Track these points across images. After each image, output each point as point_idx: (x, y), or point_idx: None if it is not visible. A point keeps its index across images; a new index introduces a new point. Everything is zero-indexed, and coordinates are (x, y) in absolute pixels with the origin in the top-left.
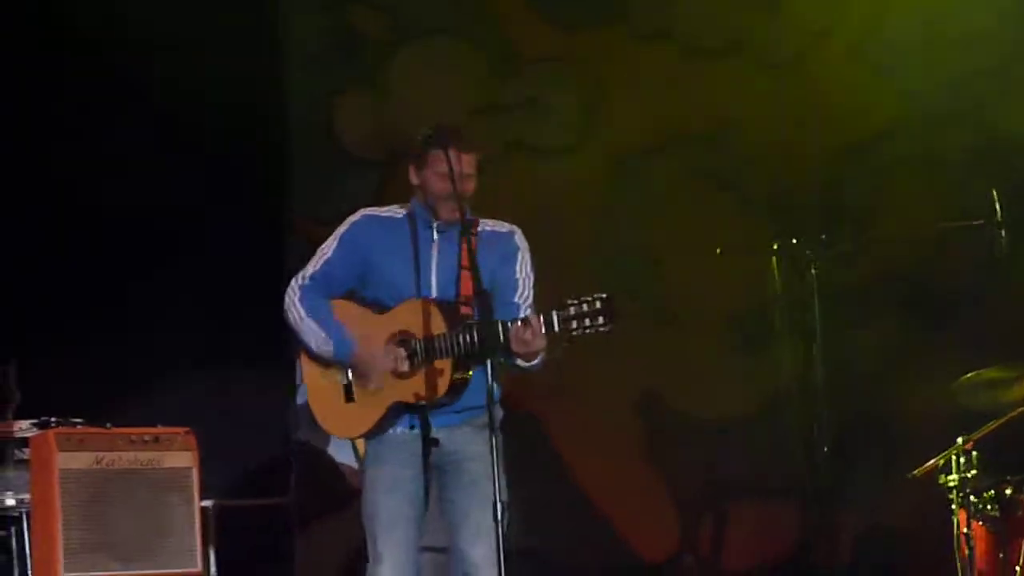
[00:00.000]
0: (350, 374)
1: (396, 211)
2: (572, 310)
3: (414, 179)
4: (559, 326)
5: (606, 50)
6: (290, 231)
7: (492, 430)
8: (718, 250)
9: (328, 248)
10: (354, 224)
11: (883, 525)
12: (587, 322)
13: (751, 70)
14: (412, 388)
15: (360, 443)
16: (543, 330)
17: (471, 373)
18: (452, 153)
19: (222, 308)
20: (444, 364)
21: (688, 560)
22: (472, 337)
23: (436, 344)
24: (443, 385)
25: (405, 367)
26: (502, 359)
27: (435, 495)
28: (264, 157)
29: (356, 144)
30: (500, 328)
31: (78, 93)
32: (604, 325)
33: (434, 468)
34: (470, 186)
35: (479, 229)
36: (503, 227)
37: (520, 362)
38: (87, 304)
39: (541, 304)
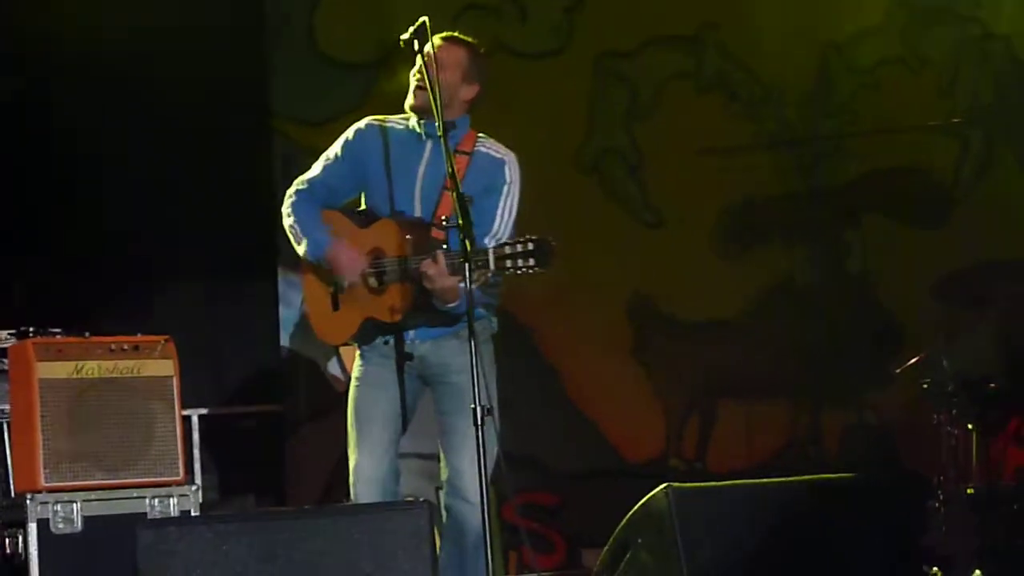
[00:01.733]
0: (339, 282)
1: (399, 121)
2: (507, 249)
3: None
4: (494, 264)
5: None
6: (276, 135)
7: (471, 335)
8: (696, 151)
9: (331, 154)
10: (357, 132)
11: (869, 423)
12: (519, 262)
13: None
14: (382, 306)
15: (345, 355)
16: (448, 270)
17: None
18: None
19: (210, 216)
20: (408, 287)
21: (674, 462)
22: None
23: (402, 266)
24: (404, 307)
25: (374, 284)
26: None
27: (430, 406)
28: (246, 59)
29: (341, 46)
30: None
31: None
32: (535, 267)
33: (424, 380)
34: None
35: (475, 148)
36: (498, 152)
37: (435, 302)
38: (69, 214)
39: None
